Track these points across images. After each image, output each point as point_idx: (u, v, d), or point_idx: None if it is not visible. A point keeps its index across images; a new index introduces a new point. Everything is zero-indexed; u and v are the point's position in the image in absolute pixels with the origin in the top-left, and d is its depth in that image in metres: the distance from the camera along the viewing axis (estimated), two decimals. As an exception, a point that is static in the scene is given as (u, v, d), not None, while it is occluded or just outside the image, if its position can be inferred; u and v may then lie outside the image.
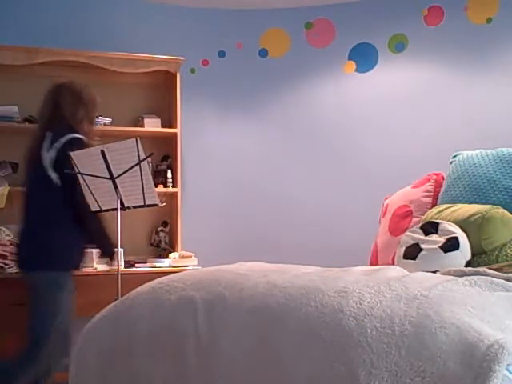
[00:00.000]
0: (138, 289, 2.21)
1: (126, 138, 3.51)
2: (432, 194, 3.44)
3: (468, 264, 2.79)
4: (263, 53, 5.05)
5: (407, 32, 4.80)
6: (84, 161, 3.40)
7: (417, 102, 4.78)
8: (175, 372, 1.83)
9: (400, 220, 3.44)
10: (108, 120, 4.50)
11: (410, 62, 4.82)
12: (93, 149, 3.42)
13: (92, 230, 3.50)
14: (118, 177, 3.43)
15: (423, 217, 3.24)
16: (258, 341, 1.68)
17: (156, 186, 4.12)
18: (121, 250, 3.79)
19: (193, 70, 4.93)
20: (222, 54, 5.02)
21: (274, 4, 4.96)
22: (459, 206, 3.07)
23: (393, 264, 3.06)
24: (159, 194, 3.84)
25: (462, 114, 4.64)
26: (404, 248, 2.98)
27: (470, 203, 3.10)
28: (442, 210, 3.10)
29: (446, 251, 2.81)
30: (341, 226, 4.83)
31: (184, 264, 4.30)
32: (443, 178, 3.47)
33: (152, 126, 4.63)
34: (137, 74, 4.60)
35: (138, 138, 3.41)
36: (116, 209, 3.50)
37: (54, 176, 3.37)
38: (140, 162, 3.38)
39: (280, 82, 5.03)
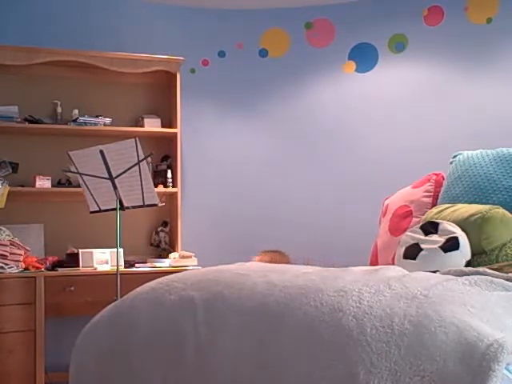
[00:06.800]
0: (138, 289, 2.21)
1: (126, 138, 3.51)
2: (432, 193, 3.44)
3: (468, 264, 2.79)
4: (263, 53, 5.05)
5: (407, 32, 4.80)
6: (83, 161, 3.40)
7: (417, 102, 4.77)
8: (175, 371, 1.83)
9: (400, 220, 3.44)
10: (108, 120, 4.49)
11: (410, 62, 4.81)
12: (92, 149, 3.43)
13: None
14: (116, 177, 3.43)
15: (423, 217, 3.24)
16: (257, 340, 1.67)
17: (156, 186, 4.11)
18: (121, 250, 3.79)
19: (193, 70, 4.93)
20: (221, 53, 5.02)
21: (274, 4, 4.95)
22: (459, 205, 3.07)
23: (393, 264, 3.06)
24: (159, 194, 3.84)
25: (461, 114, 4.63)
26: (404, 248, 2.98)
27: (470, 203, 3.10)
28: (442, 210, 3.10)
29: (446, 251, 2.81)
30: (341, 225, 4.83)
31: (184, 264, 4.29)
32: (443, 178, 3.47)
33: (152, 125, 4.63)
34: (137, 74, 4.60)
35: (137, 138, 3.41)
36: (115, 209, 3.51)
37: None
38: (139, 161, 3.38)
39: (280, 82, 5.02)
